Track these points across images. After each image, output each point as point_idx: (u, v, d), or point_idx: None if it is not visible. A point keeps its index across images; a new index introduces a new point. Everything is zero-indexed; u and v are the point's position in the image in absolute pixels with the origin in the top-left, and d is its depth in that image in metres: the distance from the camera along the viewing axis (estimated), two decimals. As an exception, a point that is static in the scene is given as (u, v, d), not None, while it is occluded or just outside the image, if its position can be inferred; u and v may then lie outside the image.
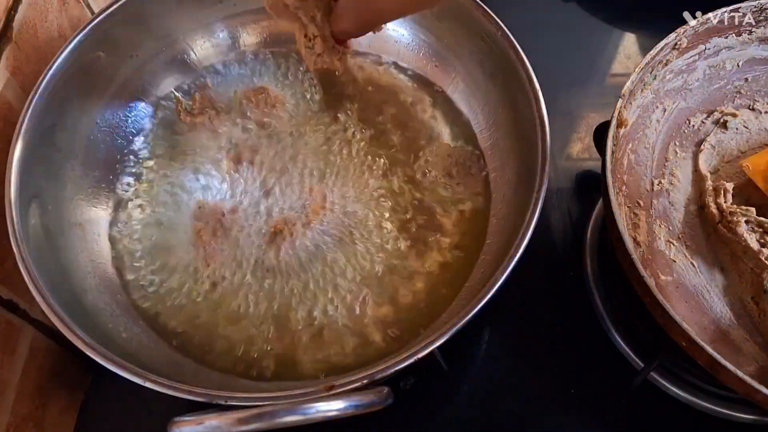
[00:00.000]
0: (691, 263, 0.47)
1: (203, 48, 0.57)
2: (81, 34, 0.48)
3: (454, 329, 0.36)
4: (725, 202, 0.47)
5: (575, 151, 0.63)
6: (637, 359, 0.49)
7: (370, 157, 0.53)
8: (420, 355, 0.35)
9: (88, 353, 0.36)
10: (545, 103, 0.44)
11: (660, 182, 0.50)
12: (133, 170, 0.52)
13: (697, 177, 0.50)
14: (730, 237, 0.46)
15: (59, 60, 0.46)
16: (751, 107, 0.53)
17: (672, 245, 0.47)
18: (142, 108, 0.55)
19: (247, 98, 0.56)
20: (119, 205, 0.51)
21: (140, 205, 0.51)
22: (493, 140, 0.52)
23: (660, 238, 0.48)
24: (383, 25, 0.44)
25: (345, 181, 0.51)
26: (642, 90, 0.50)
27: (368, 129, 0.54)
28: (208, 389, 0.35)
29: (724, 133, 0.52)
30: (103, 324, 0.43)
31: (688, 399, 0.47)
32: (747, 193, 0.48)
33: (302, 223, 0.49)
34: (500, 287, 0.37)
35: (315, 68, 0.47)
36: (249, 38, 0.59)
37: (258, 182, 0.51)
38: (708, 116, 0.53)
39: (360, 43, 0.56)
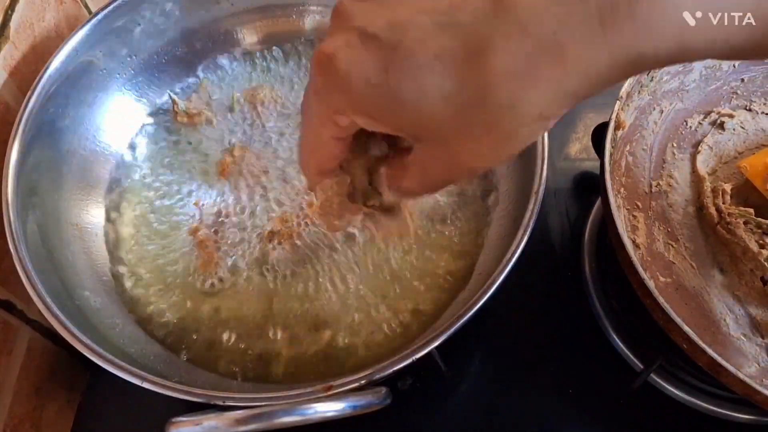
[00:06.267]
0: (691, 264, 0.47)
1: (201, 48, 0.57)
2: (78, 34, 0.47)
3: (452, 330, 0.35)
4: (724, 203, 0.47)
5: (573, 152, 0.63)
6: (635, 359, 0.49)
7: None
8: (418, 356, 0.35)
9: (86, 354, 0.36)
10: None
11: (658, 184, 0.50)
12: (130, 171, 0.52)
13: (695, 178, 0.50)
14: (729, 238, 0.46)
15: (56, 60, 0.46)
16: (747, 108, 0.53)
17: (671, 247, 0.47)
18: (140, 108, 0.54)
19: (244, 98, 0.55)
20: (116, 205, 0.50)
21: (137, 206, 0.50)
22: (492, 141, 0.52)
23: (659, 240, 0.48)
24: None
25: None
26: (639, 92, 0.50)
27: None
28: (206, 390, 0.35)
29: (721, 134, 0.52)
30: (101, 324, 0.42)
31: (687, 400, 0.47)
32: (745, 193, 0.48)
33: (300, 223, 0.49)
34: (498, 288, 0.37)
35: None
36: (247, 38, 0.58)
37: (256, 182, 0.51)
38: (705, 117, 0.53)
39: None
